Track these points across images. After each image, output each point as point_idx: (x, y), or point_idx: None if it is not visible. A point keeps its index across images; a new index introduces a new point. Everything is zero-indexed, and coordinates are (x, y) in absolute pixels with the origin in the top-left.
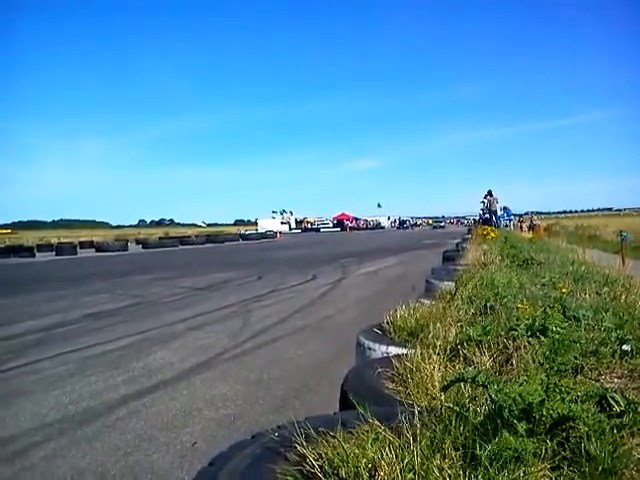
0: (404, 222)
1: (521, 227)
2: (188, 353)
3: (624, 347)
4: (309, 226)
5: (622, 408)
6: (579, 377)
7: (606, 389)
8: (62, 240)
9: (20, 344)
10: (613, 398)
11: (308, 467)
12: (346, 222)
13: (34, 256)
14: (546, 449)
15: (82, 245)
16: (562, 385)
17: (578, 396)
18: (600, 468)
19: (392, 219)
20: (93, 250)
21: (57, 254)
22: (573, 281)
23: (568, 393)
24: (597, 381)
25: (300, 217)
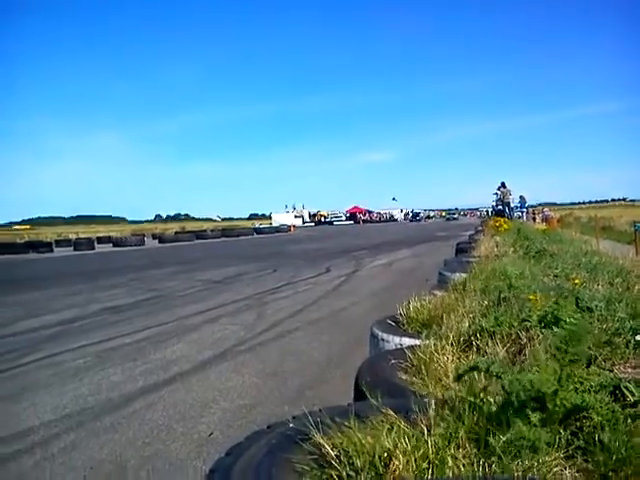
0: (417, 214)
1: (534, 219)
2: (204, 345)
3: (638, 337)
4: (322, 219)
5: (636, 398)
6: (592, 367)
7: (620, 379)
8: (80, 235)
9: (39, 337)
10: (627, 388)
11: (324, 456)
12: (359, 215)
13: (52, 251)
14: (560, 439)
15: (99, 240)
16: (575, 375)
17: (591, 386)
18: (614, 457)
19: (405, 212)
20: (110, 245)
21: (75, 249)
22: (586, 272)
23: (581, 383)
24: (611, 371)
25: (313, 211)
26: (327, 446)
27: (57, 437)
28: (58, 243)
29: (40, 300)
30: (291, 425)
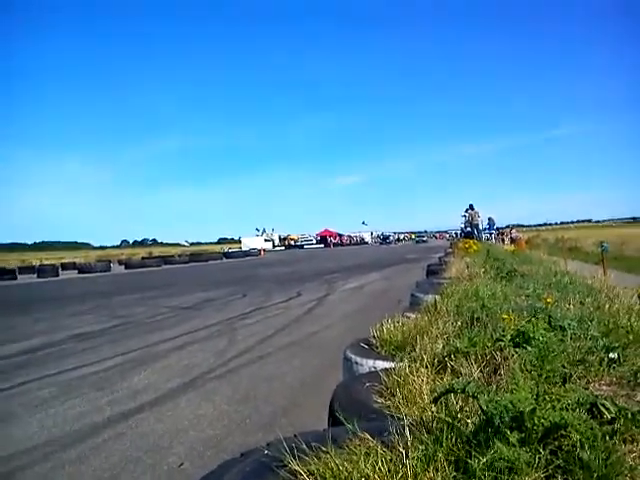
0: (387, 237)
1: (503, 240)
2: (173, 373)
3: (611, 355)
4: (293, 243)
5: (613, 415)
6: (568, 385)
7: (596, 396)
8: (44, 262)
9: (3, 367)
10: (604, 405)
11: None
12: (330, 238)
13: (16, 278)
14: (539, 458)
15: (64, 267)
16: (552, 393)
17: (569, 404)
18: (594, 476)
19: (375, 235)
20: (75, 271)
21: (39, 276)
22: (557, 292)
23: (559, 401)
24: (586, 389)
25: (284, 234)
26: (303, 473)
27: (21, 470)
28: (21, 270)
29: (4, 328)
30: (266, 452)
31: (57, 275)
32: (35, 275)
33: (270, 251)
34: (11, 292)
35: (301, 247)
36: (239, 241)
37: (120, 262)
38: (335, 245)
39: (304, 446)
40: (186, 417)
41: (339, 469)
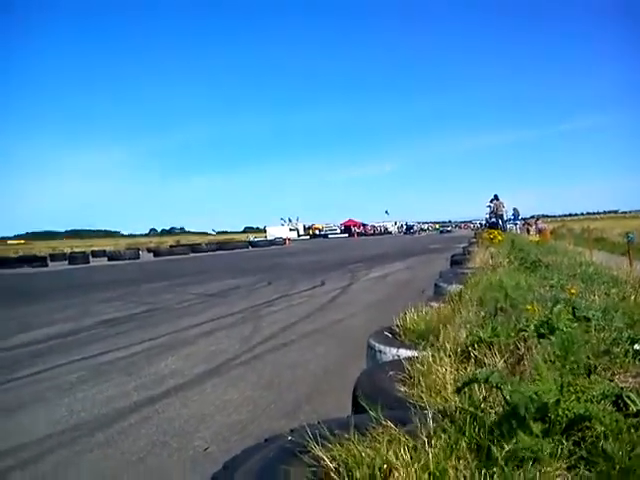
0: (411, 227)
1: (528, 230)
2: (199, 359)
3: (636, 347)
4: (317, 232)
5: (638, 407)
6: (593, 376)
7: (621, 388)
8: (74, 250)
9: (33, 352)
10: (629, 397)
11: (323, 469)
12: (353, 228)
13: (47, 265)
14: (562, 449)
15: (94, 254)
16: (577, 384)
17: (593, 396)
18: (617, 467)
19: (399, 224)
20: (105, 259)
21: (70, 263)
22: (581, 282)
23: (583, 392)
24: (611, 381)
25: (308, 224)
26: (326, 459)
27: (51, 453)
28: (52, 257)
29: (35, 314)
30: (289, 438)
31: (87, 262)
32: (66, 262)
33: (295, 240)
34: (42, 279)
35: (325, 236)
36: (264, 230)
37: (149, 250)
38: (359, 235)
39: (327, 433)
40: (212, 402)
41: (362, 456)
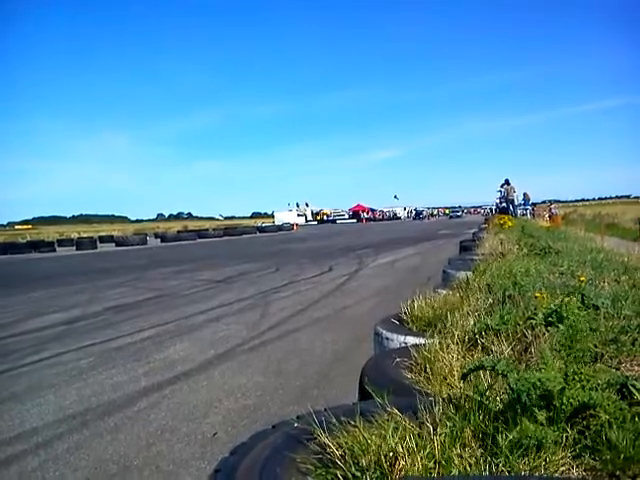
0: (420, 212)
1: (541, 215)
2: (207, 345)
3: None
4: (325, 218)
5: None
6: (599, 365)
7: (627, 377)
8: (82, 235)
9: (42, 337)
10: (634, 386)
11: (329, 456)
12: (362, 213)
13: (55, 251)
14: (567, 437)
15: (102, 239)
16: (582, 373)
17: (598, 384)
18: (622, 456)
19: (408, 210)
20: (112, 244)
21: (77, 249)
22: (592, 269)
23: (588, 381)
24: (617, 369)
25: (316, 209)
26: (332, 446)
27: (61, 437)
28: (60, 243)
29: (43, 300)
30: (296, 425)
31: (95, 248)
32: (74, 248)
33: (303, 225)
34: (50, 264)
35: (333, 222)
36: (272, 215)
37: (156, 235)
38: (368, 220)
39: (333, 419)
40: (220, 388)
41: (367, 443)
